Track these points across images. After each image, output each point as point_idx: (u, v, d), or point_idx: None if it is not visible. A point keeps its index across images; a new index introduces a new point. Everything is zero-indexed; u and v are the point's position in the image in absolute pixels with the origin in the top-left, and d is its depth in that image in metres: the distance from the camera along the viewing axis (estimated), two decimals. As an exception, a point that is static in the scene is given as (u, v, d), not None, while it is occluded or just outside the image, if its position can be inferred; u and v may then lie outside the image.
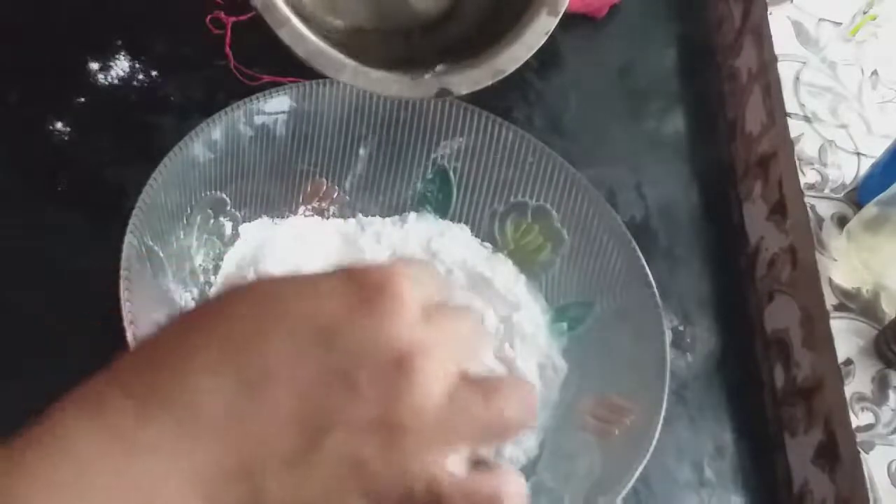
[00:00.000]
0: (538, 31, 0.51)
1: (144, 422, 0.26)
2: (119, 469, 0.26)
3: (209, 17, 0.71)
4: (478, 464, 0.29)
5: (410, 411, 0.27)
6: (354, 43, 0.53)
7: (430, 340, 0.28)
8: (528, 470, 0.57)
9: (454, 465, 0.28)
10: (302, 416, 0.26)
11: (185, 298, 0.58)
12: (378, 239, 0.64)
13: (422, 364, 0.27)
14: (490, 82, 0.52)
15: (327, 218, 0.65)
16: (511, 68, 0.51)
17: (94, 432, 0.26)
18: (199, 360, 0.27)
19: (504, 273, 0.64)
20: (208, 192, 0.59)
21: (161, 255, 0.55)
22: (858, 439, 0.58)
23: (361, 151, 0.59)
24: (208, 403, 0.27)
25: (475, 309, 0.31)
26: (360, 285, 0.28)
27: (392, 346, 0.27)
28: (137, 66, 0.70)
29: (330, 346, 0.27)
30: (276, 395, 0.27)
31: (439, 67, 0.51)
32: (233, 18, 0.70)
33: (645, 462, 0.51)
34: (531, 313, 0.63)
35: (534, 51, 0.51)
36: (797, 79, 0.74)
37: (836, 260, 0.65)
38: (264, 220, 0.63)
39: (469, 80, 0.52)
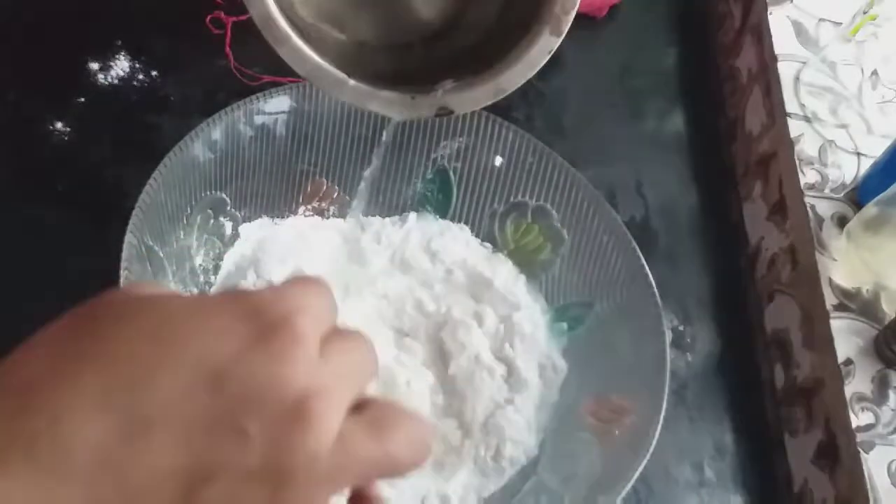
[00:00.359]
0: (541, 50, 0.51)
1: (4, 470, 0.23)
2: None
3: (209, 17, 0.71)
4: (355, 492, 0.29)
5: (302, 458, 0.25)
6: (355, 56, 0.53)
7: (327, 380, 0.26)
8: (529, 470, 0.57)
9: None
10: (184, 466, 0.24)
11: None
12: (378, 239, 0.64)
13: (316, 409, 0.25)
14: (491, 101, 0.52)
15: (327, 218, 0.65)
16: (512, 87, 0.51)
17: None
18: (75, 398, 0.24)
19: (504, 273, 0.64)
20: (208, 192, 0.59)
21: (161, 255, 0.55)
22: (858, 439, 0.58)
23: (375, 160, 0.59)
24: (80, 451, 0.24)
25: (361, 330, 0.29)
26: (256, 321, 0.26)
27: (288, 392, 0.25)
28: (137, 66, 0.70)
29: (221, 390, 0.25)
30: (158, 442, 0.24)
31: (442, 85, 0.51)
32: (233, 18, 0.70)
33: (645, 462, 0.51)
34: (531, 313, 0.63)
35: (536, 70, 0.51)
36: (797, 79, 0.74)
37: (836, 260, 0.65)
38: (264, 220, 0.63)
39: (469, 99, 0.52)
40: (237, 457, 0.25)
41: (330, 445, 0.26)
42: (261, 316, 0.26)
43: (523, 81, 0.51)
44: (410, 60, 0.55)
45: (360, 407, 0.28)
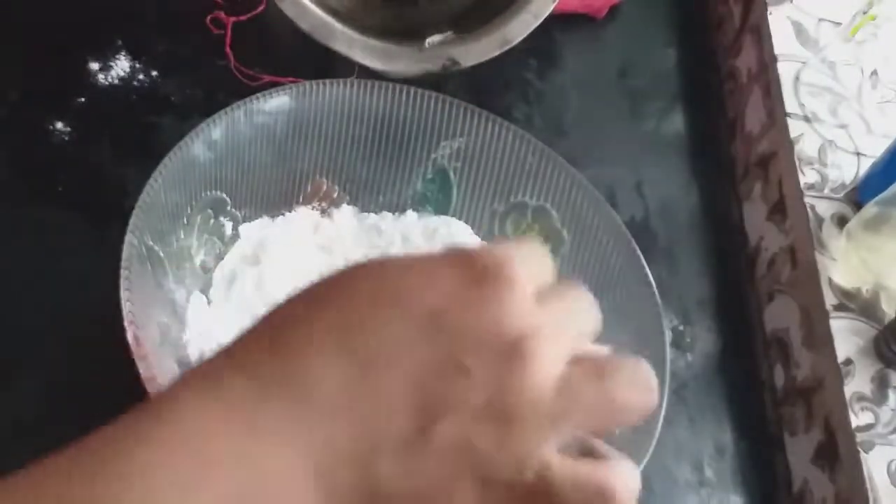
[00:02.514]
0: (545, 0, 0.50)
1: (263, 402, 0.26)
2: (236, 448, 0.26)
3: (209, 17, 0.71)
4: (589, 452, 0.28)
5: (523, 397, 0.26)
6: (361, 9, 0.52)
7: (543, 324, 0.27)
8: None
9: (565, 452, 0.27)
10: (414, 400, 0.26)
11: (185, 298, 0.58)
12: (378, 232, 0.64)
13: (534, 349, 0.27)
14: (497, 52, 0.51)
15: (328, 216, 0.65)
16: (518, 38, 0.51)
17: (214, 410, 0.26)
18: (315, 339, 0.27)
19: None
20: (208, 192, 0.59)
21: (161, 255, 0.55)
22: (858, 439, 0.58)
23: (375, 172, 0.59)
24: (322, 384, 0.26)
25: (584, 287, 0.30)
26: (473, 269, 0.27)
27: (505, 331, 0.27)
28: (137, 66, 0.70)
29: (443, 331, 0.27)
30: (388, 378, 0.26)
31: (446, 34, 0.50)
32: (233, 18, 0.70)
33: (645, 462, 0.51)
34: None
35: (540, 20, 0.50)
36: (797, 79, 0.74)
37: (835, 260, 0.65)
38: (264, 220, 0.63)
39: (476, 50, 0.51)
40: (462, 395, 0.26)
41: (551, 387, 0.27)
42: (475, 264, 0.27)
43: (528, 32, 0.51)
44: (417, 11, 0.54)
45: (583, 357, 0.28)
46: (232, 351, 0.28)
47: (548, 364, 0.27)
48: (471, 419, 0.26)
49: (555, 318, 0.28)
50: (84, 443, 0.26)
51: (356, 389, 0.26)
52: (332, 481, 0.26)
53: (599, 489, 0.28)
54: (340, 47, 0.50)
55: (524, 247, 0.29)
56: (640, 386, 0.29)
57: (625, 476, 0.28)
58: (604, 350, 0.30)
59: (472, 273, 0.27)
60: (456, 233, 0.65)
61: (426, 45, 0.50)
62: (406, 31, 0.52)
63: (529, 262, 0.28)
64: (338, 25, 0.49)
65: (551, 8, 0.50)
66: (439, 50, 0.50)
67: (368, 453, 0.26)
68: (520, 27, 0.50)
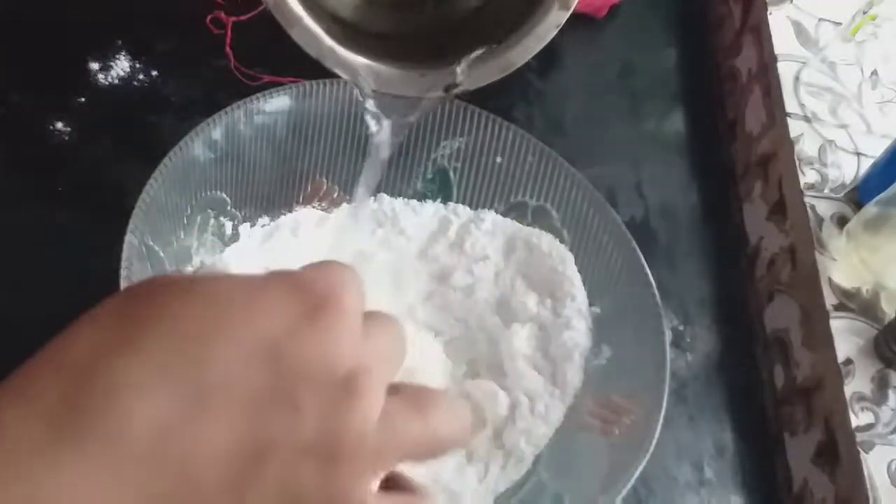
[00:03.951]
0: (549, 24, 0.51)
1: (59, 447, 0.23)
2: (28, 501, 0.23)
3: (209, 17, 0.71)
4: (390, 481, 0.29)
5: (351, 433, 0.26)
6: (367, 15, 0.52)
7: (371, 357, 0.27)
8: (529, 469, 0.57)
9: (381, 488, 0.28)
10: (242, 437, 0.24)
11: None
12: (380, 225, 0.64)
13: (364, 386, 0.26)
14: (499, 77, 0.52)
15: (328, 214, 0.65)
16: (521, 62, 0.51)
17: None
18: (132, 371, 0.24)
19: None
20: (208, 192, 0.59)
21: (161, 255, 0.55)
22: (858, 439, 0.58)
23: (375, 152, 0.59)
24: (137, 426, 0.23)
25: (389, 313, 0.30)
26: (305, 296, 0.26)
27: (338, 367, 0.26)
28: (137, 66, 0.70)
29: (276, 362, 0.25)
30: (216, 415, 0.24)
31: (454, 65, 0.51)
32: (233, 18, 0.70)
33: (645, 462, 0.51)
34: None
35: (544, 44, 0.51)
36: (797, 79, 0.74)
37: (836, 260, 0.65)
38: (264, 220, 0.63)
39: (478, 74, 0.51)
40: (292, 431, 0.25)
41: (376, 422, 0.26)
42: (308, 291, 0.26)
43: (531, 56, 0.51)
44: (421, 18, 0.55)
45: (395, 389, 0.28)
46: (17, 391, 0.24)
47: (374, 399, 0.27)
48: (297, 456, 0.25)
49: (378, 351, 0.27)
50: None
51: (177, 433, 0.24)
52: None
53: None
54: (346, 74, 0.50)
55: (346, 272, 0.28)
56: (459, 420, 0.29)
57: None
58: (408, 382, 0.29)
59: (307, 302, 0.26)
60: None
61: (447, 71, 0.50)
62: (411, 42, 0.53)
63: (354, 289, 0.27)
64: (343, 52, 0.50)
65: (555, 32, 0.51)
66: (441, 75, 0.51)
67: (184, 502, 0.24)
68: (523, 52, 0.51)
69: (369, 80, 0.51)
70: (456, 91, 0.52)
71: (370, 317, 0.28)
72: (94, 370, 0.24)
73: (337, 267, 0.28)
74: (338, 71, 0.50)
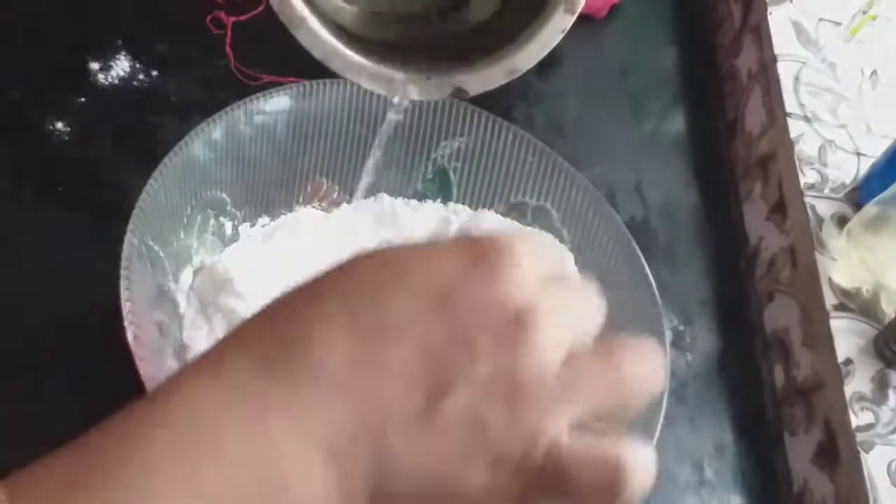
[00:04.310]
0: (554, 29, 0.51)
1: (268, 381, 0.26)
2: (244, 429, 0.25)
3: (209, 17, 0.71)
4: (600, 434, 0.27)
5: (531, 370, 0.26)
6: (371, 25, 0.52)
7: (546, 303, 0.27)
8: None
9: (574, 429, 0.27)
10: (422, 374, 0.26)
11: (185, 298, 0.58)
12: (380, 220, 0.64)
13: (537, 322, 0.27)
14: (504, 81, 0.52)
15: (328, 213, 0.65)
16: (526, 67, 0.51)
17: (218, 393, 0.26)
18: (321, 315, 0.27)
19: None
20: (208, 192, 0.59)
21: (161, 254, 0.55)
22: (858, 439, 0.58)
23: (370, 162, 0.59)
24: (328, 362, 0.26)
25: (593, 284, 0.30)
26: (477, 248, 0.28)
27: (508, 304, 0.27)
28: (137, 66, 0.70)
29: (448, 306, 0.27)
30: (395, 353, 0.26)
31: (458, 69, 0.51)
32: (233, 18, 0.70)
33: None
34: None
35: (549, 49, 0.51)
36: (797, 79, 0.74)
37: (836, 260, 0.65)
38: (264, 220, 0.63)
39: (483, 79, 0.51)
40: (470, 368, 0.26)
41: (558, 361, 0.27)
42: (478, 245, 0.28)
43: (537, 61, 0.51)
44: (425, 30, 0.55)
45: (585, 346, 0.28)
46: (235, 335, 0.28)
47: (552, 338, 0.27)
48: (479, 393, 0.26)
49: (556, 303, 0.28)
50: (86, 440, 0.26)
51: (363, 365, 0.26)
52: (343, 459, 0.26)
53: (612, 468, 0.27)
54: (351, 76, 0.50)
55: (534, 237, 0.29)
56: (649, 365, 0.29)
57: (640, 455, 0.27)
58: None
59: (476, 252, 0.27)
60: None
61: (453, 74, 0.51)
62: (416, 48, 0.53)
63: (535, 250, 0.28)
64: (349, 53, 0.50)
65: (560, 38, 0.50)
66: (446, 78, 0.51)
67: (379, 429, 0.26)
68: (528, 57, 0.51)
69: (375, 82, 0.51)
70: (462, 97, 0.52)
71: (561, 279, 0.29)
72: (296, 319, 0.27)
73: (516, 234, 0.29)
74: (344, 74, 0.50)
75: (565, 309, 0.28)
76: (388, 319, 0.27)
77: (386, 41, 0.54)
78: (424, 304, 0.27)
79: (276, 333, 0.27)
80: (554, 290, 0.28)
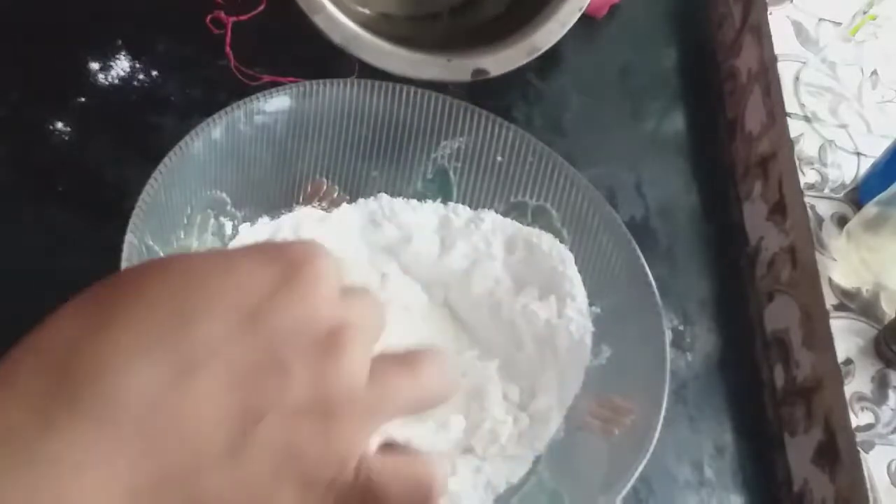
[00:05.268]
0: (572, 7, 0.50)
1: (48, 431, 0.23)
2: (27, 485, 0.22)
3: (209, 17, 0.71)
4: (391, 447, 0.29)
5: (341, 390, 0.26)
6: (383, 30, 0.52)
7: (351, 316, 0.27)
8: (529, 469, 0.57)
9: (384, 445, 0.28)
10: (233, 403, 0.25)
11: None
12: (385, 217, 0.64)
13: (346, 340, 0.26)
14: (525, 61, 0.51)
15: (328, 213, 0.65)
16: (546, 45, 0.51)
17: None
18: (117, 349, 0.24)
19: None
20: (208, 192, 0.59)
21: (161, 254, 0.55)
22: (858, 439, 0.58)
23: (375, 173, 0.60)
24: (130, 400, 0.23)
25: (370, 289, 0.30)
26: (280, 262, 0.27)
27: (317, 324, 0.26)
28: (137, 66, 0.70)
29: (257, 329, 0.25)
30: (206, 384, 0.24)
31: (478, 51, 0.50)
32: (233, 18, 0.70)
33: (645, 462, 0.51)
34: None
35: (568, 28, 0.51)
36: (797, 79, 0.74)
37: (836, 260, 0.65)
38: (264, 220, 0.63)
39: (504, 59, 0.51)
40: (283, 392, 0.25)
41: (365, 378, 0.27)
42: (282, 258, 0.27)
43: (556, 40, 0.51)
44: (439, 29, 0.54)
45: (382, 355, 0.28)
46: (2, 377, 0.24)
47: (360, 354, 0.27)
48: (291, 417, 0.25)
49: (358, 314, 0.28)
50: None
51: (170, 403, 0.24)
52: None
53: (420, 481, 0.28)
54: (370, 59, 0.50)
55: (318, 245, 0.28)
56: (446, 375, 0.30)
57: (440, 470, 0.29)
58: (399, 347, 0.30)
59: (283, 268, 0.27)
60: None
61: (474, 56, 0.50)
62: (431, 46, 0.53)
63: (327, 258, 0.28)
64: (368, 36, 0.49)
65: (578, 16, 0.50)
66: (468, 60, 0.51)
67: (191, 471, 0.24)
68: (547, 35, 0.51)
69: (397, 65, 0.50)
70: (483, 78, 0.51)
71: (347, 288, 0.28)
72: (78, 352, 0.24)
73: (308, 241, 0.28)
74: (363, 56, 0.49)
75: (364, 320, 0.28)
76: (196, 346, 0.24)
77: (401, 38, 0.53)
78: (234, 328, 0.25)
79: (62, 376, 0.24)
80: (352, 301, 0.28)
